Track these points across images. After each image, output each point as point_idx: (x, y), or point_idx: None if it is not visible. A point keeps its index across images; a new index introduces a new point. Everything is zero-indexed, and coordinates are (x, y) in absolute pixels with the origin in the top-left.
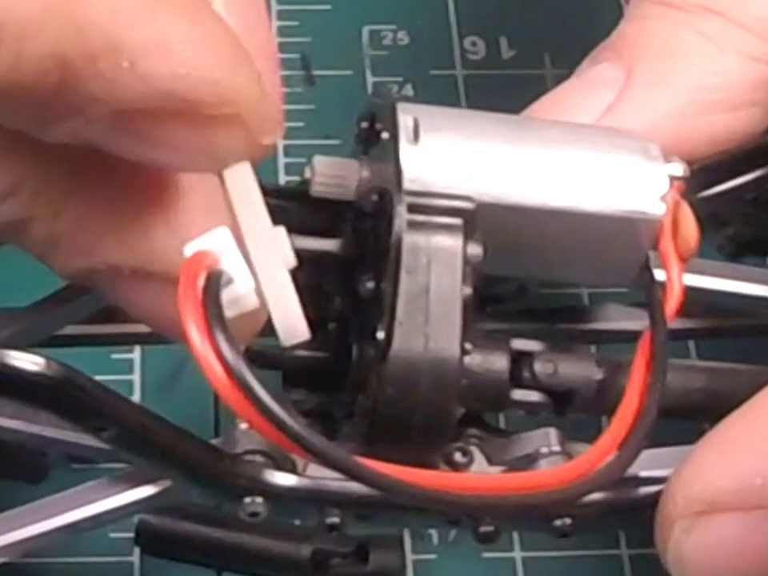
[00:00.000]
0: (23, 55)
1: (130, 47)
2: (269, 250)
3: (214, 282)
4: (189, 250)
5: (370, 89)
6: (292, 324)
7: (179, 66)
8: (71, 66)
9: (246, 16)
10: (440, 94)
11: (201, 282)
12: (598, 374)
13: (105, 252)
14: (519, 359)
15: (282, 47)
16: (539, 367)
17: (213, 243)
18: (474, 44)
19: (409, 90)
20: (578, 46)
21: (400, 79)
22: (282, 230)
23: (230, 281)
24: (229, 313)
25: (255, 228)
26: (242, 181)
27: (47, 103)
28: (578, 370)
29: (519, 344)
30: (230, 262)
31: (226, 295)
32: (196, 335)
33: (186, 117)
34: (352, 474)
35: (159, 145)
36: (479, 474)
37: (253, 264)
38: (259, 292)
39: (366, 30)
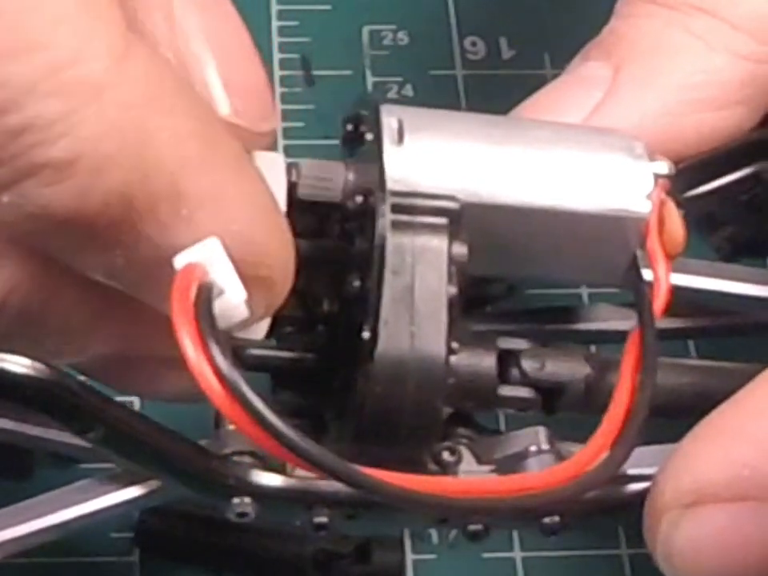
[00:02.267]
0: (93, 188)
1: (190, 196)
2: None
3: (205, 294)
4: (179, 262)
5: (370, 89)
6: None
7: (232, 222)
8: (134, 206)
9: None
10: (440, 94)
11: (192, 294)
12: (586, 369)
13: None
14: (507, 357)
15: (282, 47)
16: (527, 363)
17: (203, 254)
18: (473, 44)
19: (409, 90)
20: (578, 46)
21: (400, 79)
22: None
23: (220, 292)
24: (221, 324)
25: None
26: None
27: (101, 235)
28: (565, 364)
29: (506, 342)
30: (221, 273)
31: (217, 306)
32: (190, 348)
33: None
34: (355, 485)
35: None
36: (474, 478)
37: None
38: None
39: (365, 30)
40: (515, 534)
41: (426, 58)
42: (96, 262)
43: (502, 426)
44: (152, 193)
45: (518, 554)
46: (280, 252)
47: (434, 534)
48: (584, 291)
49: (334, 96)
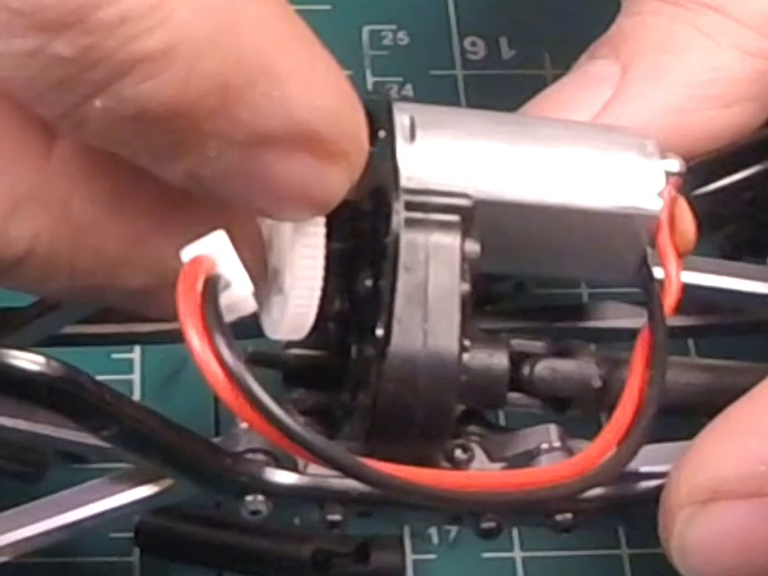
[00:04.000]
0: (191, 75)
1: (281, 74)
2: (312, 248)
3: (212, 287)
4: (186, 255)
5: (370, 89)
6: (300, 324)
7: (316, 97)
8: (230, 89)
9: None
10: (440, 93)
11: (199, 286)
12: (597, 382)
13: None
14: (519, 360)
15: None
16: (538, 373)
17: (210, 247)
18: (473, 44)
19: (409, 90)
20: (578, 46)
21: (400, 79)
22: (323, 233)
23: (227, 285)
24: (227, 317)
25: (309, 230)
26: None
27: (196, 126)
28: (578, 377)
29: (519, 344)
30: (228, 266)
31: (224, 299)
32: (196, 340)
33: (308, 150)
34: (355, 474)
35: (273, 183)
36: (481, 472)
37: (293, 258)
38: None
39: (366, 29)
40: (515, 534)
41: (426, 58)
42: (186, 159)
43: (503, 422)
44: (246, 73)
45: (517, 554)
46: (358, 124)
47: (434, 533)
48: (584, 291)
49: None
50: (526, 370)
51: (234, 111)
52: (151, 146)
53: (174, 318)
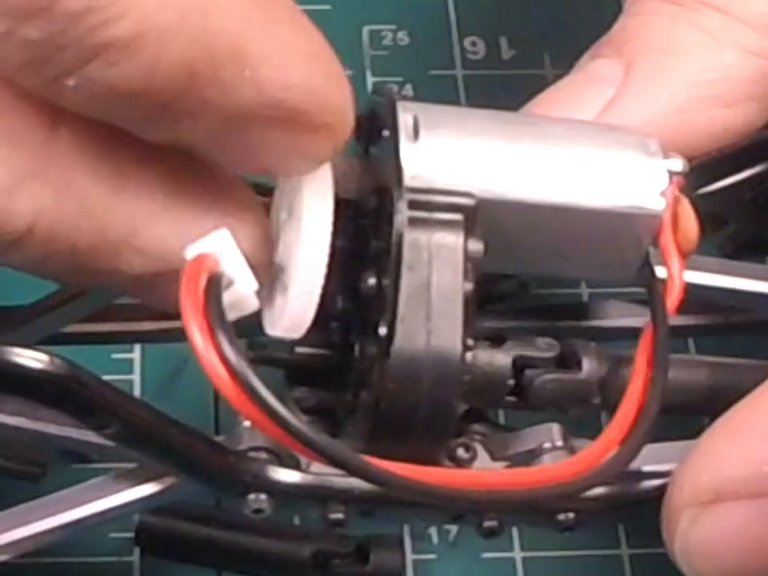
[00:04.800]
0: (159, 61)
1: (251, 57)
2: (317, 251)
3: (215, 285)
4: (190, 252)
5: (370, 89)
6: (299, 321)
7: (292, 76)
8: (199, 74)
9: None
10: (440, 94)
11: (202, 284)
12: (596, 398)
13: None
14: (521, 365)
15: None
16: (539, 387)
17: (214, 245)
18: (473, 44)
19: (409, 90)
20: (578, 46)
21: (400, 79)
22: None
23: (231, 283)
24: (230, 315)
25: (315, 226)
26: (321, 177)
27: (168, 105)
28: (578, 393)
29: (522, 345)
30: (231, 264)
31: (227, 297)
32: (199, 338)
33: (287, 124)
34: (358, 472)
35: (256, 150)
36: (484, 470)
37: (298, 255)
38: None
39: (366, 29)
40: (515, 534)
41: (426, 58)
42: (167, 131)
43: (505, 421)
44: (215, 58)
45: (517, 554)
46: (339, 97)
47: (434, 533)
48: (584, 291)
49: None
50: (526, 380)
51: (204, 92)
52: (129, 119)
53: (175, 308)
